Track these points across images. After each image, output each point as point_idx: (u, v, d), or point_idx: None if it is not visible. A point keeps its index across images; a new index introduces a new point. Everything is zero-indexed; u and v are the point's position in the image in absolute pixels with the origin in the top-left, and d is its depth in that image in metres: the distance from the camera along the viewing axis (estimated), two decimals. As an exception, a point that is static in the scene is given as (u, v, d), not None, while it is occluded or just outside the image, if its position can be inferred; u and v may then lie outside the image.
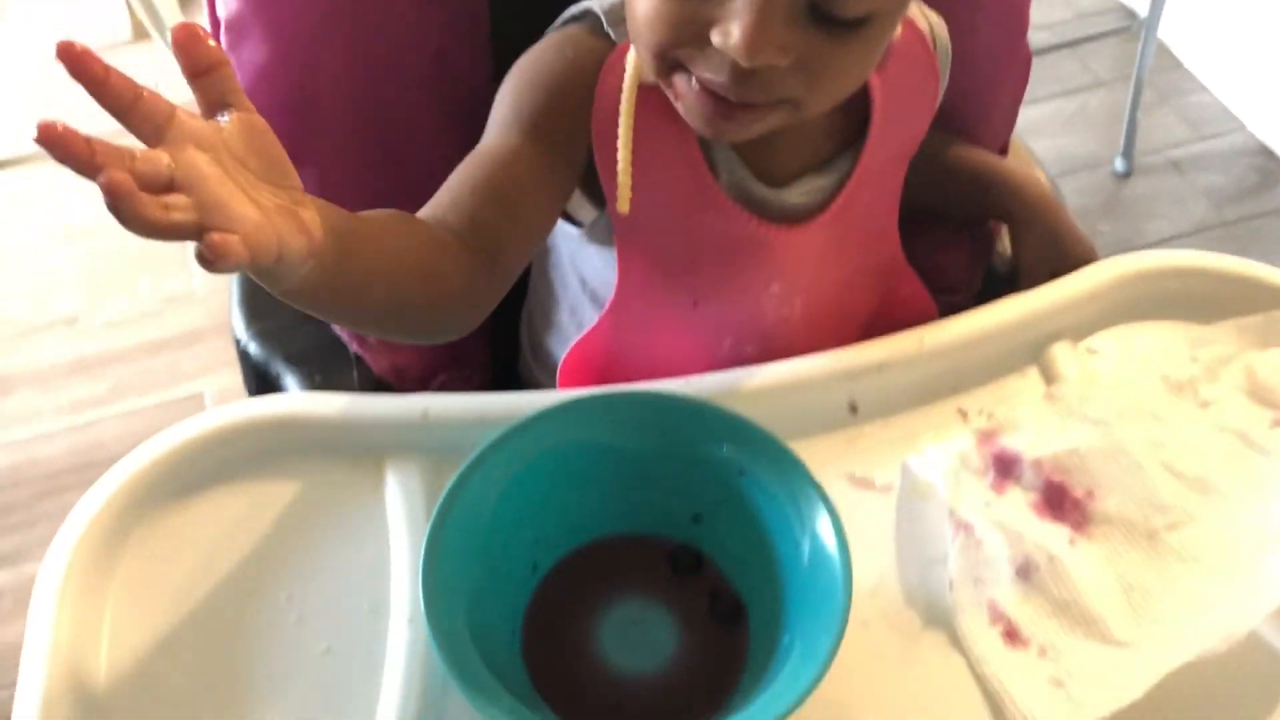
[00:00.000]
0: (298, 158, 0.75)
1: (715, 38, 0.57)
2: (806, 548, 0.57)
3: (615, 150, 0.65)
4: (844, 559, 0.55)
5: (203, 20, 0.74)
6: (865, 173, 0.73)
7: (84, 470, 1.62)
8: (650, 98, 0.66)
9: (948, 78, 0.77)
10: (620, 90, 0.66)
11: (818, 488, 0.58)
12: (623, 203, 0.66)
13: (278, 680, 0.60)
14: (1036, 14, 0.88)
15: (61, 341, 1.81)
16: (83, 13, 2.27)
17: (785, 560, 0.59)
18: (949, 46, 0.76)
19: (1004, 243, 0.88)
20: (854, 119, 0.72)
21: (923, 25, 0.74)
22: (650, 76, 0.65)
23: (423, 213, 0.65)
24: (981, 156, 0.85)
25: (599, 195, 0.71)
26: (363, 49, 0.75)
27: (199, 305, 1.86)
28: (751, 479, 0.60)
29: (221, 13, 0.73)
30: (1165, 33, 2.24)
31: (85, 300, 1.86)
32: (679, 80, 0.62)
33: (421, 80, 0.78)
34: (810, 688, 0.51)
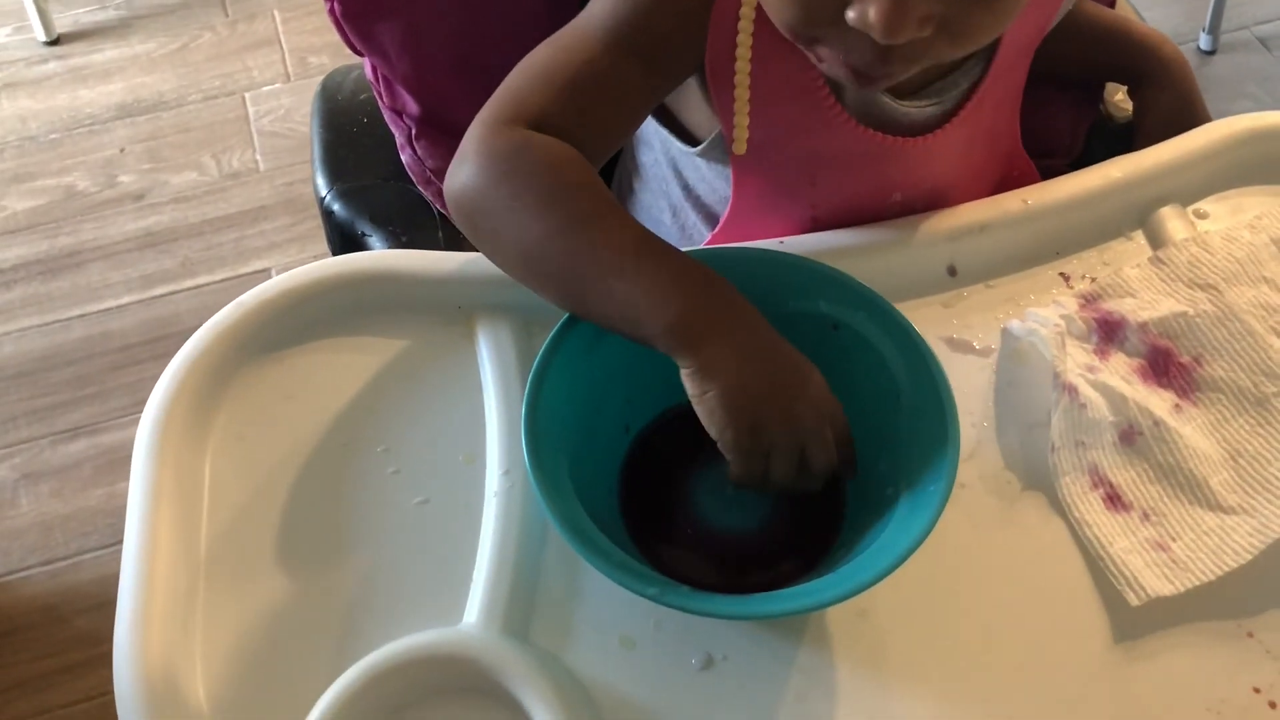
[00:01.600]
0: (384, 9, 0.75)
1: (851, 15, 0.53)
2: (906, 398, 0.56)
3: (730, 81, 0.61)
4: (950, 406, 0.54)
5: None
6: (997, 72, 0.70)
7: (157, 343, 1.63)
8: (768, 20, 0.61)
9: None
10: (737, 17, 0.61)
11: (917, 336, 0.57)
12: (739, 144, 0.62)
13: (376, 531, 0.60)
14: (1123, -125, 0.84)
15: (130, 216, 1.82)
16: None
17: (883, 415, 0.58)
18: None
19: (1109, 104, 0.84)
20: None
21: None
22: None
23: (506, 98, 0.64)
24: (1106, 11, 0.80)
25: (712, 111, 0.68)
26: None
27: (263, 182, 1.86)
28: (846, 332, 0.59)
29: None
30: (1260, -101, 2.13)
31: (151, 176, 1.87)
32: (818, 49, 0.58)
33: None
34: (926, 531, 0.51)
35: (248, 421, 0.63)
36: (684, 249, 0.73)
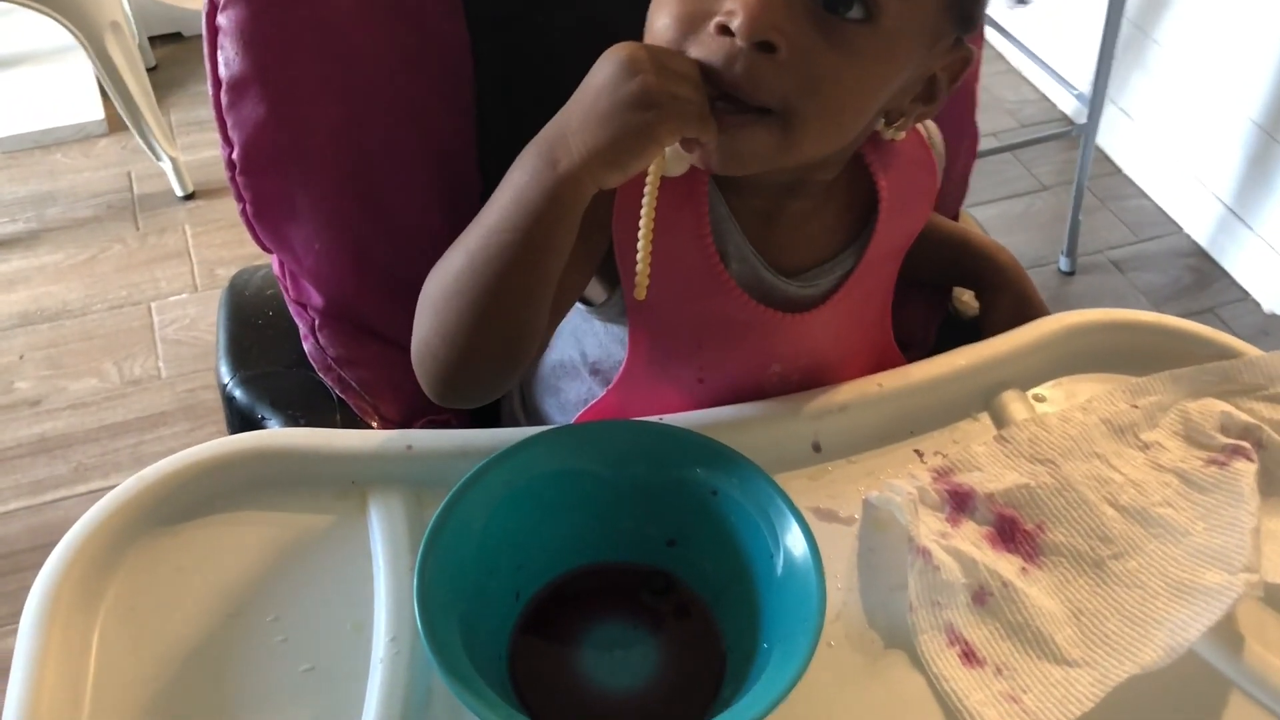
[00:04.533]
0: (291, 211, 0.81)
1: (718, 13, 0.62)
2: (779, 558, 0.61)
3: (633, 237, 0.67)
4: (816, 563, 0.59)
5: (204, 87, 0.79)
6: (869, 264, 0.78)
7: (42, 550, 1.57)
8: (668, 189, 0.69)
9: (941, 176, 0.83)
10: (641, 182, 0.67)
11: (786, 499, 0.62)
12: (640, 291, 0.68)
13: (263, 700, 0.61)
14: (982, 122, 0.96)
15: (25, 422, 1.81)
16: (56, 103, 2.32)
17: (760, 573, 0.62)
18: (943, 149, 0.83)
19: (956, 303, 0.93)
20: (862, 216, 0.78)
21: (922, 130, 0.81)
22: (670, 170, 0.68)
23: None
24: (952, 224, 0.91)
25: (611, 276, 0.75)
26: (353, 109, 0.80)
27: (165, 389, 1.87)
28: (723, 497, 0.64)
29: (223, 73, 0.77)
30: (1103, 140, 2.36)
31: (49, 382, 1.87)
32: None
33: (405, 142, 0.83)
34: (792, 683, 0.54)
35: (140, 592, 0.64)
36: (581, 414, 0.78)
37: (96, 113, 2.31)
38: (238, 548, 0.67)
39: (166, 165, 2.17)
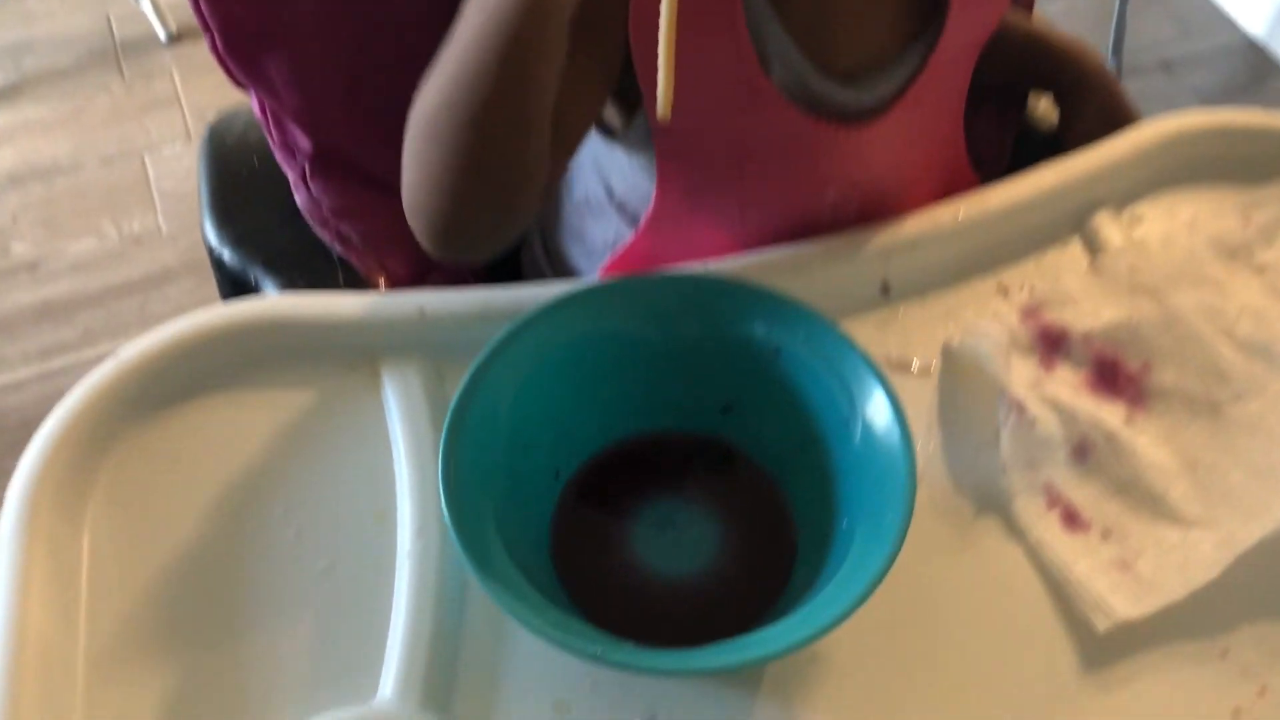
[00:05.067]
0: (267, 39, 0.71)
1: None
2: (857, 423, 0.52)
3: (655, 47, 0.56)
4: (902, 428, 0.50)
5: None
6: (938, 65, 0.66)
7: (55, 420, 1.56)
8: None
9: None
10: None
11: (863, 354, 0.53)
12: (664, 109, 0.56)
13: (277, 602, 0.55)
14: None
15: (25, 287, 1.74)
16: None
17: (831, 441, 0.54)
18: None
19: (1032, 115, 0.82)
20: (928, 5, 0.65)
21: None
22: None
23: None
24: (1030, 23, 0.79)
25: (631, 97, 0.64)
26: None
27: (166, 245, 1.79)
28: (788, 356, 0.55)
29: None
30: (1151, -74, 2.18)
31: (46, 244, 1.79)
32: None
33: None
34: (887, 565, 0.47)
35: (130, 488, 0.57)
36: (609, 261, 0.69)
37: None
38: (237, 432, 0.60)
39: (145, 4, 2.03)
